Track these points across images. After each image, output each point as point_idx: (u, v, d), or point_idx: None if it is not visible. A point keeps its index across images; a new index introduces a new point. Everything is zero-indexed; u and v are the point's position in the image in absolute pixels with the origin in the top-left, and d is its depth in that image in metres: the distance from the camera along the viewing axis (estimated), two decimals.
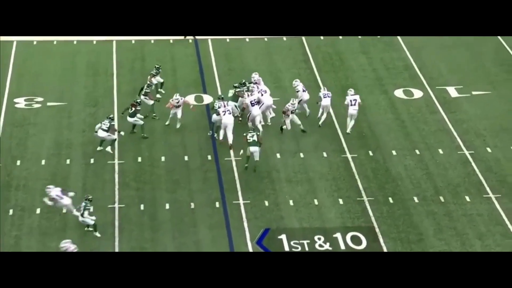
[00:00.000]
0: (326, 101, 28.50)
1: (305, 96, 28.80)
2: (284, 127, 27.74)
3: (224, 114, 27.06)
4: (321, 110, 28.59)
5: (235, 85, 28.78)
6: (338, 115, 29.07)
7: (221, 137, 27.30)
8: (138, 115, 27.81)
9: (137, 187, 25.48)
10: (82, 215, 23.30)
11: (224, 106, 27.31)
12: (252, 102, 28.00)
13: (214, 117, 27.65)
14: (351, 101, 27.90)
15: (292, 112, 27.48)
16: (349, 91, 28.29)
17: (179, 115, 27.98)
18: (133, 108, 27.76)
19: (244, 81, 28.95)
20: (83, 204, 23.36)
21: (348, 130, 27.82)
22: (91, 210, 23.38)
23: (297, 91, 28.82)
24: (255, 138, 26.02)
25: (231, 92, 28.71)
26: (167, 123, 28.06)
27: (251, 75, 29.58)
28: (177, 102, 27.92)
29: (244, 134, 26.30)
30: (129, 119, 27.74)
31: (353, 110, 27.82)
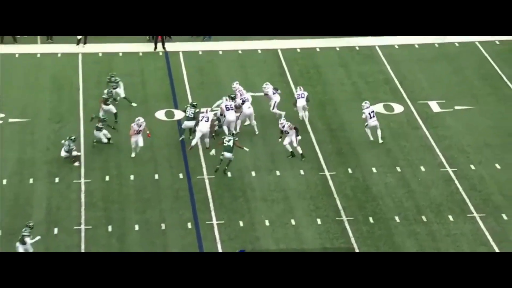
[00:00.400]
0: (301, 102, 29.09)
1: (277, 98, 29.19)
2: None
3: (201, 120, 27.45)
4: (299, 112, 28.98)
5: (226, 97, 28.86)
6: (315, 130, 29.15)
7: (193, 143, 27.54)
8: (103, 132, 27.69)
9: (104, 207, 25.36)
10: (22, 242, 22.94)
11: (206, 112, 27.74)
12: (227, 107, 28.13)
13: (186, 123, 28.06)
14: (369, 114, 28.18)
15: (286, 133, 27.51)
16: (364, 104, 28.51)
17: (140, 143, 27.33)
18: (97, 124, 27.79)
19: (234, 95, 29.05)
20: (23, 230, 23.06)
21: (380, 140, 28.35)
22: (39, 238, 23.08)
23: (266, 94, 29.20)
24: (231, 143, 26.29)
25: (219, 102, 28.81)
26: (133, 155, 27.40)
27: (223, 89, 29.65)
28: (139, 126, 27.13)
29: (223, 137, 26.61)
30: (95, 132, 27.75)
31: (373, 122, 28.22)
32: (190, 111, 28.07)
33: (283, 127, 27.53)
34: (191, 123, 27.98)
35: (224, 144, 26.39)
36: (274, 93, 29.44)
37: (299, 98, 29.21)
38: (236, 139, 26.76)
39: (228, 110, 28.11)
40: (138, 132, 27.27)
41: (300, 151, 27.62)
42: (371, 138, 28.42)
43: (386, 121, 29.92)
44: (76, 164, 26.99)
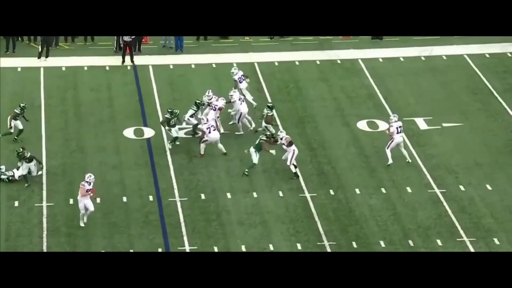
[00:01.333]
0: (243, 85, 30.72)
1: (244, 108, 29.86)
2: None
3: (209, 132, 28.11)
4: (247, 96, 30.48)
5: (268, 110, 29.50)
6: None
7: (202, 152, 28.22)
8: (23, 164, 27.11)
9: (68, 233, 25.22)
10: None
11: (207, 121, 28.47)
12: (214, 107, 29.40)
13: (175, 133, 28.79)
14: (397, 128, 28.26)
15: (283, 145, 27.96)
16: (393, 117, 28.67)
17: (90, 206, 25.10)
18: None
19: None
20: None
21: (408, 159, 28.47)
22: None
23: (234, 102, 29.75)
24: (257, 141, 27.58)
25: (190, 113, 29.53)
26: (82, 224, 25.22)
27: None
28: (89, 185, 24.95)
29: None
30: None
31: (399, 137, 28.26)
32: (173, 121, 28.69)
33: (281, 139, 27.71)
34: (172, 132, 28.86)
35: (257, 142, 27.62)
36: (241, 103, 29.79)
37: (241, 81, 30.30)
38: (264, 139, 27.61)
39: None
40: (88, 191, 25.09)
41: (294, 170, 27.69)
42: (390, 161, 28.16)
43: (370, 139, 30.05)
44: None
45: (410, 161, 28.49)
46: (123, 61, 34.49)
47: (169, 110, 28.88)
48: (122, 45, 34.66)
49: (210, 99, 29.76)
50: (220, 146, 28.58)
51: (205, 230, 25.50)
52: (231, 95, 29.96)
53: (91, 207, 25.13)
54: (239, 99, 29.79)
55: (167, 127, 28.97)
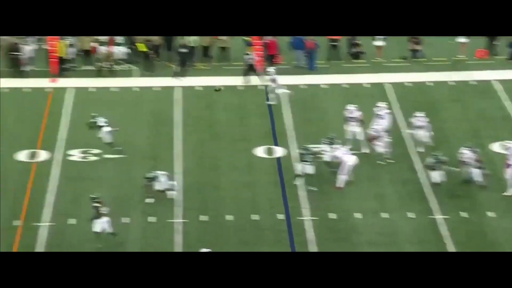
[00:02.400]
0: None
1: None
2: None
3: (345, 157, 27.96)
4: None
5: None
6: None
7: (342, 185, 28.13)
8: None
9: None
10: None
11: (337, 148, 28.24)
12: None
13: (303, 169, 28.23)
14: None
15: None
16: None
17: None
18: None
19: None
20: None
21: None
22: None
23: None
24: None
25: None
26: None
27: (329, 126, 29.82)
28: None
29: None
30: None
31: None
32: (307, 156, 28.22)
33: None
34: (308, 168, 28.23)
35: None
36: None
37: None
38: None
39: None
40: None
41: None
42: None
43: (504, 161, 29.36)
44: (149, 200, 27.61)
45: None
46: (248, 80, 34.90)
47: (303, 147, 28.66)
48: (245, 65, 35.05)
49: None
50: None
51: (334, 250, 25.56)
52: (379, 106, 30.04)
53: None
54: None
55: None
